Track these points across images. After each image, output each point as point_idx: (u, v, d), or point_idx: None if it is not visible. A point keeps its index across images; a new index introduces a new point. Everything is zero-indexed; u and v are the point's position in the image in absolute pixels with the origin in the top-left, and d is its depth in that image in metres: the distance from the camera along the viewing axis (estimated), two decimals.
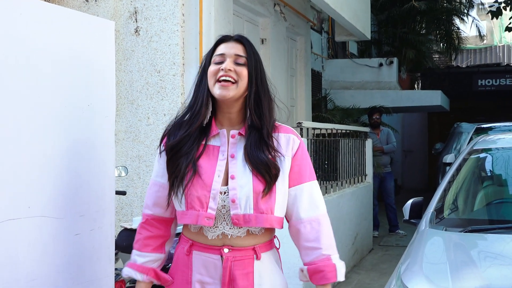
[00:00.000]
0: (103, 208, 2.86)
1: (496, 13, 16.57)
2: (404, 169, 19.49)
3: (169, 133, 2.35)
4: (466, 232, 3.67)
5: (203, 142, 2.30)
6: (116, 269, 4.32)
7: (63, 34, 2.66)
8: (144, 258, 2.40)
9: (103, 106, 2.88)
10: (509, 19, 17.85)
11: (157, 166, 2.39)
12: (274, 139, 2.31)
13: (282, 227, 2.32)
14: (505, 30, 17.89)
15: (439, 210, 4.10)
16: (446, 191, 4.33)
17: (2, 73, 2.34)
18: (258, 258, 2.28)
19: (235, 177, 2.24)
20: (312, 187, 2.36)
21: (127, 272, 2.41)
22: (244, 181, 2.23)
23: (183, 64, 6.33)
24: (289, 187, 2.32)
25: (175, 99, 6.29)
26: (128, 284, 4.68)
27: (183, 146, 2.28)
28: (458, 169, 4.57)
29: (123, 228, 5.14)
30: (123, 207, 6.36)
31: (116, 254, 5.01)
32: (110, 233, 2.90)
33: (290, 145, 2.34)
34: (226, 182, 2.26)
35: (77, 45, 2.74)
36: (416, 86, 19.34)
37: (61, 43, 2.64)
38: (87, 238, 2.73)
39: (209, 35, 6.34)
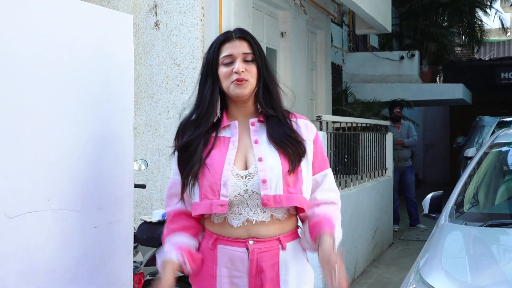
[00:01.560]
0: (122, 201, 2.88)
1: None
2: (426, 163, 19.35)
3: (179, 133, 2.41)
4: (486, 226, 3.64)
5: (213, 134, 2.34)
6: (135, 261, 4.36)
7: (82, 28, 2.67)
8: (174, 240, 2.37)
9: (122, 100, 2.90)
10: None
11: (173, 165, 2.43)
12: (293, 123, 2.39)
13: (306, 210, 2.35)
14: None
15: (459, 204, 4.07)
16: (466, 185, 4.29)
17: (21, 68, 2.36)
18: (283, 248, 2.30)
19: (263, 159, 2.27)
20: (331, 173, 2.44)
21: (159, 261, 2.39)
22: (273, 162, 2.27)
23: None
24: (315, 173, 2.38)
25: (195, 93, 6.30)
26: (147, 277, 4.71)
27: (192, 143, 2.32)
28: (479, 163, 4.53)
29: (142, 221, 5.17)
30: (142, 200, 6.39)
31: (135, 247, 5.05)
32: (128, 226, 2.92)
33: (309, 130, 2.41)
34: (245, 167, 2.29)
35: (96, 39, 2.75)
36: (438, 79, 19.16)
37: (80, 37, 2.66)
38: (105, 231, 2.75)
39: (228, 29, 6.32)
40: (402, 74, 14.15)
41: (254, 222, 2.27)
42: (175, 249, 2.34)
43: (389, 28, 11.07)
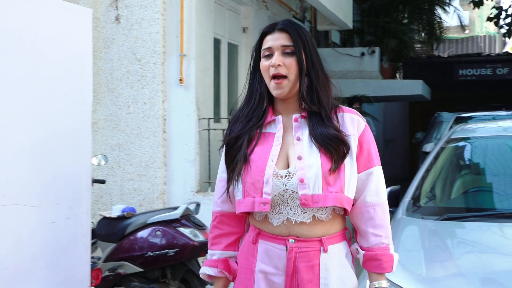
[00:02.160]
0: (80, 196, 2.86)
1: (477, 3, 16.68)
2: (386, 158, 19.56)
3: (229, 127, 2.35)
4: (442, 220, 3.71)
5: (258, 130, 2.29)
6: (93, 257, 4.33)
7: (40, 21, 2.64)
8: (215, 256, 2.38)
9: (80, 94, 2.87)
10: (491, 9, 17.96)
11: (221, 162, 2.39)
12: (338, 118, 2.28)
13: (350, 209, 2.27)
14: (487, 20, 18.04)
15: (416, 199, 4.13)
16: (423, 179, 4.36)
17: None
18: (325, 250, 2.22)
19: (302, 158, 2.21)
20: (379, 172, 2.31)
21: (202, 270, 2.39)
22: (312, 161, 2.20)
23: (164, 53, 6.31)
24: (359, 172, 2.27)
25: (156, 88, 6.28)
26: (106, 273, 4.69)
27: (239, 139, 2.28)
28: (436, 158, 4.59)
29: (102, 216, 5.14)
30: (102, 195, 6.35)
31: (95, 242, 5.02)
32: (86, 222, 2.90)
33: (355, 124, 2.29)
34: (287, 166, 2.24)
35: (53, 32, 2.73)
36: (398, 75, 19.37)
37: (37, 31, 2.63)
38: (62, 227, 2.73)
39: (190, 23, 6.32)
40: (363, 70, 14.28)
41: (293, 222, 2.21)
42: (212, 266, 2.36)
43: (350, 25, 11.16)
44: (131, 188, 6.30)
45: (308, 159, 2.20)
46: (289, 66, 2.23)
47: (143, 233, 4.91)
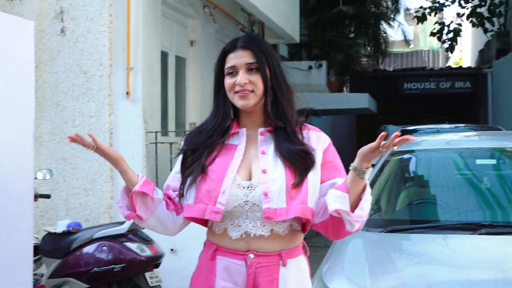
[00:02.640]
0: (22, 212, 2.80)
1: (421, 19, 17.10)
2: None
3: (188, 138, 2.32)
4: (386, 232, 3.76)
5: (221, 141, 2.28)
6: (36, 274, 4.24)
7: None
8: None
9: (22, 108, 2.82)
10: (434, 24, 18.43)
11: (176, 164, 2.35)
12: (303, 134, 2.28)
13: (313, 220, 2.25)
14: (430, 35, 18.48)
15: None
16: None
17: None
18: (284, 264, 2.23)
19: (267, 171, 2.21)
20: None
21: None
22: (277, 175, 2.19)
23: (110, 65, 6.26)
24: (323, 181, 2.26)
25: (102, 101, 6.21)
26: None
27: (197, 151, 2.27)
28: (381, 170, 4.66)
29: (47, 232, 5.05)
30: (47, 210, 6.23)
31: (39, 259, 4.92)
32: (28, 238, 2.84)
33: (321, 141, 2.30)
34: (249, 178, 2.23)
35: None
36: (345, 89, 19.67)
37: None
38: (3, 243, 2.67)
39: (136, 36, 6.29)
40: (311, 84, 14.43)
41: (252, 235, 2.21)
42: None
43: (297, 38, 11.28)
44: (77, 202, 6.20)
45: (272, 173, 2.21)
46: (255, 82, 2.24)
47: (89, 249, 4.84)
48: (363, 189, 2.18)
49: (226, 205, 2.19)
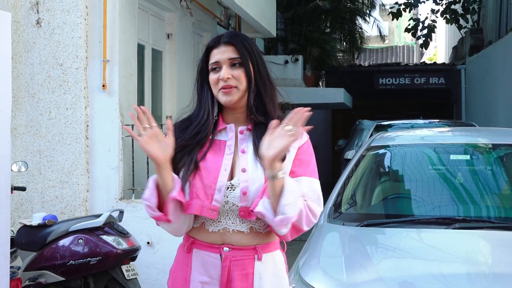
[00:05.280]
0: None
1: (396, 14, 17.22)
2: None
3: (175, 131, 2.27)
4: (362, 226, 3.81)
5: (210, 137, 2.29)
6: (12, 267, 4.22)
7: None
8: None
9: None
10: (408, 20, 18.57)
11: None
12: None
13: None
14: (405, 31, 18.62)
15: (337, 205, 4.23)
16: (344, 186, 4.46)
17: None
18: (259, 258, 2.24)
19: (247, 170, 2.23)
20: (312, 183, 2.29)
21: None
22: (256, 175, 2.22)
23: (86, 58, 6.22)
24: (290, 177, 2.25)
25: (78, 93, 6.18)
26: (26, 283, 4.58)
27: (186, 147, 2.27)
28: (357, 165, 4.71)
29: (22, 225, 5.02)
30: (22, 203, 6.18)
31: (14, 251, 4.89)
32: (5, 230, 2.84)
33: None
34: (231, 177, 2.25)
35: None
36: (320, 83, 19.74)
37: None
38: None
39: (113, 29, 6.25)
40: (287, 78, 14.47)
41: (231, 231, 2.23)
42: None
43: (273, 33, 11.30)
44: (53, 195, 6.17)
45: (252, 172, 2.24)
46: (238, 77, 2.27)
47: (65, 241, 4.82)
48: (281, 193, 2.13)
49: (220, 203, 2.21)
